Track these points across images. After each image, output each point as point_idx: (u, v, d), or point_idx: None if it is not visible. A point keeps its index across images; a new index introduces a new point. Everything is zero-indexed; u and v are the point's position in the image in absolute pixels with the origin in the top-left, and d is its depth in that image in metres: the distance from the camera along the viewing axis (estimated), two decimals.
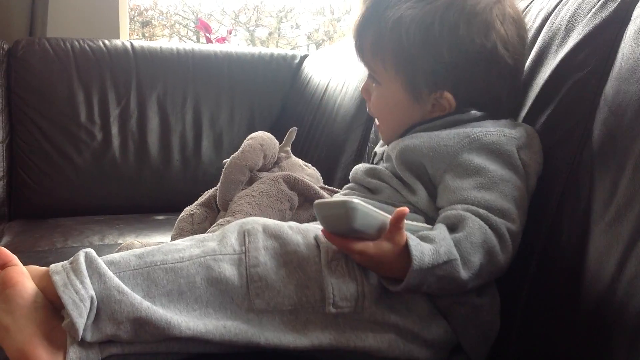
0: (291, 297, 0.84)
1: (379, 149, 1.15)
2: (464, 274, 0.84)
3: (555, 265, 0.92)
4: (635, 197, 0.81)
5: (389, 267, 0.83)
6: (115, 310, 0.77)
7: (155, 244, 1.19)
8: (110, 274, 0.79)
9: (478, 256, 0.85)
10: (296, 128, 1.25)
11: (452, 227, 0.88)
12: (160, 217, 1.99)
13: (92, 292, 0.76)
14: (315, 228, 0.90)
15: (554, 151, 0.99)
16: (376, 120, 1.15)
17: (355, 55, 1.10)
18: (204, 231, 1.09)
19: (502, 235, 0.88)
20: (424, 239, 0.84)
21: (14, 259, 0.82)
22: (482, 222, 0.87)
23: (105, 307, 0.77)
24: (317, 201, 0.82)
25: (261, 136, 1.19)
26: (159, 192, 2.22)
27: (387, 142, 1.09)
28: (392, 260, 0.82)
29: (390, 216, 0.81)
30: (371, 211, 0.80)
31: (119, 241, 1.68)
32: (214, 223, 1.10)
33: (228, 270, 0.82)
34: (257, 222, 0.89)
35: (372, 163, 1.13)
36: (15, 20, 2.34)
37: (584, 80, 0.99)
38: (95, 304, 0.77)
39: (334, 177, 1.69)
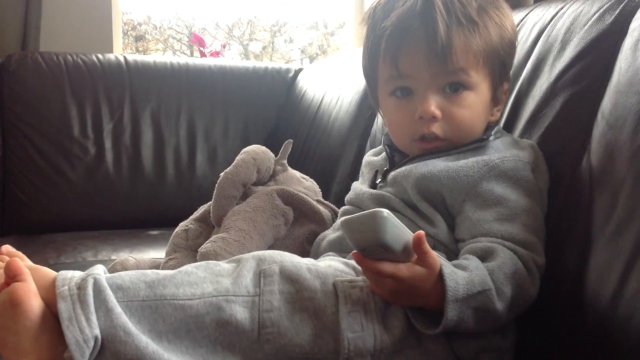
0: (303, 346, 0.80)
1: (379, 166, 1.11)
2: (499, 305, 0.82)
3: (556, 281, 0.91)
4: (635, 210, 0.80)
5: (421, 293, 0.80)
6: (119, 350, 0.74)
7: (149, 261, 1.18)
8: (118, 309, 0.76)
9: (510, 287, 0.83)
10: (292, 140, 1.24)
11: (482, 258, 0.86)
12: (155, 232, 1.97)
13: (97, 332, 0.73)
14: (334, 272, 0.86)
15: (552, 164, 0.99)
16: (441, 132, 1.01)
17: (440, 65, 0.97)
18: (198, 247, 1.07)
19: (530, 268, 0.87)
20: (456, 266, 0.82)
21: (25, 273, 0.77)
22: (512, 254, 0.86)
23: (109, 345, 0.74)
24: (343, 218, 0.79)
25: (255, 150, 1.17)
26: (153, 206, 2.20)
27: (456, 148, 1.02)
28: (425, 285, 0.79)
29: (412, 234, 0.79)
30: (399, 224, 0.77)
31: (113, 257, 1.65)
32: (209, 238, 1.09)
33: (240, 313, 0.79)
34: (275, 260, 0.85)
35: (373, 185, 1.09)
36: (7, 34, 2.32)
37: (581, 93, 0.99)
38: (100, 342, 0.74)
39: (329, 191, 1.68)
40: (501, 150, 0.98)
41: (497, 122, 1.09)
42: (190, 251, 1.12)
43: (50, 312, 0.77)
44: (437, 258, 0.80)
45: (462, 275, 0.80)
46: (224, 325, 0.78)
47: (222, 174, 1.15)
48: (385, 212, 0.75)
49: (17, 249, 1.55)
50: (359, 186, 1.12)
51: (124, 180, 2.19)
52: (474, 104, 1.00)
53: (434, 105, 0.98)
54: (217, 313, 0.78)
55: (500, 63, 1.03)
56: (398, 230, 0.77)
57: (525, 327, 0.92)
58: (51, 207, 2.12)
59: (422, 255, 0.79)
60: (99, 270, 0.79)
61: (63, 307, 0.75)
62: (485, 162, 0.95)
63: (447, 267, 0.80)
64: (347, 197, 1.12)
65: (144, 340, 0.75)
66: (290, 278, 0.83)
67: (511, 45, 1.05)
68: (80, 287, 0.76)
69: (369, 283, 0.84)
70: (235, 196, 1.13)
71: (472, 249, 0.88)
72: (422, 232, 0.78)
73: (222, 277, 0.82)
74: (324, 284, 0.83)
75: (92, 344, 0.73)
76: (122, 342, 0.74)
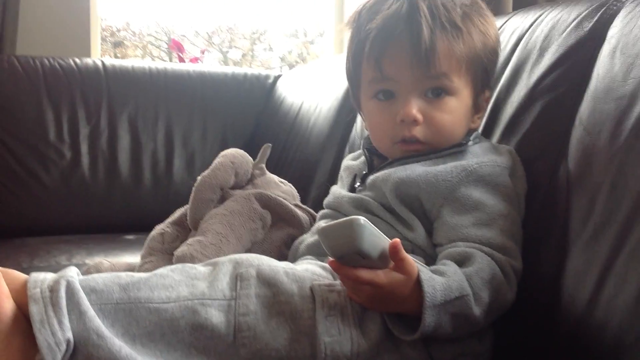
0: (279, 350, 0.79)
1: (358, 170, 1.11)
2: (476, 310, 0.82)
3: (533, 285, 0.91)
4: (612, 215, 0.81)
5: (399, 299, 0.80)
6: (92, 354, 0.73)
7: (124, 265, 1.16)
8: (91, 312, 0.74)
9: (487, 292, 0.83)
10: (270, 144, 1.23)
11: (460, 263, 0.86)
12: (130, 237, 1.95)
13: (70, 335, 0.72)
14: (312, 276, 0.86)
15: (530, 170, 0.99)
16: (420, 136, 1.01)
17: (422, 69, 0.97)
18: (174, 250, 1.06)
19: (507, 273, 0.87)
20: (434, 272, 0.82)
21: None
22: (489, 259, 0.86)
23: (82, 348, 0.73)
24: (320, 226, 0.78)
25: (232, 154, 1.16)
26: (130, 211, 2.18)
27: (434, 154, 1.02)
28: (403, 291, 0.79)
29: (389, 240, 0.78)
30: (376, 231, 0.77)
31: (87, 261, 1.63)
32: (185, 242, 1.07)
33: (215, 316, 0.78)
34: (252, 264, 0.84)
35: (352, 189, 1.09)
36: None
37: (559, 99, 1.00)
38: (72, 345, 0.72)
39: (308, 196, 1.68)
40: (479, 155, 0.98)
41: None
42: (166, 254, 1.11)
43: (22, 315, 0.75)
44: (415, 264, 0.80)
45: (439, 280, 0.80)
46: (199, 329, 0.77)
47: (199, 177, 1.14)
48: (362, 219, 0.75)
49: None
50: (338, 190, 1.11)
51: (100, 184, 2.17)
52: (455, 110, 1.00)
53: (415, 109, 0.98)
54: (192, 317, 0.77)
55: (482, 70, 1.03)
56: (375, 237, 0.76)
57: (503, 331, 0.92)
58: (26, 212, 2.10)
59: (399, 263, 0.78)
60: (72, 272, 0.78)
61: (35, 310, 0.73)
62: (463, 167, 0.95)
63: (425, 273, 0.80)
64: (326, 200, 1.11)
65: (117, 343, 0.74)
66: (267, 282, 0.82)
67: (494, 53, 1.05)
68: (53, 289, 0.75)
69: (346, 289, 0.83)
70: (213, 199, 1.12)
71: (450, 254, 0.88)
72: (397, 240, 0.78)
73: (197, 280, 0.81)
74: (301, 288, 0.83)
75: (64, 347, 0.71)
76: (94, 345, 0.73)
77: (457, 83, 1.00)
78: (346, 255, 0.77)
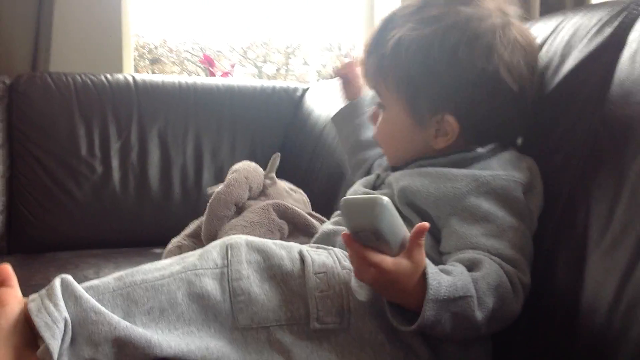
0: (276, 311, 0.81)
1: (382, 172, 1.12)
2: (478, 314, 0.81)
3: (552, 294, 0.89)
4: (631, 223, 0.79)
5: (403, 289, 0.79)
6: (93, 331, 0.75)
7: None
8: (86, 296, 0.77)
9: (492, 299, 0.82)
10: (279, 154, 1.23)
11: (468, 268, 0.85)
12: (158, 251, 1.94)
13: (66, 314, 0.75)
14: (299, 246, 0.88)
15: (552, 178, 0.98)
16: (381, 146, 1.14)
17: (363, 80, 1.11)
18: None
19: (515, 284, 0.86)
20: (441, 270, 0.81)
21: (13, 280, 0.81)
22: (498, 266, 0.85)
23: (82, 330, 0.75)
24: (344, 198, 0.80)
25: (246, 168, 1.17)
26: (160, 225, 2.18)
27: (394, 164, 1.08)
28: (407, 282, 0.78)
29: (406, 229, 0.79)
30: (396, 216, 0.77)
31: None
32: None
33: (210, 284, 0.80)
34: (241, 237, 0.87)
35: (374, 187, 1.09)
36: (18, 55, 2.33)
37: (581, 105, 0.98)
38: (71, 327, 0.74)
39: (333, 208, 1.66)
40: (495, 168, 0.96)
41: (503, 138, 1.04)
42: None
43: (28, 325, 0.77)
44: (425, 258, 0.79)
45: (445, 278, 0.79)
46: (196, 299, 0.80)
47: (214, 193, 1.14)
48: (386, 200, 0.75)
49: (20, 267, 1.56)
50: (357, 185, 1.12)
51: (131, 199, 2.19)
52: (388, 123, 1.08)
53: (370, 112, 1.12)
54: (188, 287, 0.80)
55: (427, 93, 1.00)
56: (394, 222, 0.77)
57: (521, 343, 0.91)
58: (58, 226, 2.12)
59: (415, 247, 0.78)
60: (66, 276, 0.80)
61: (33, 305, 0.76)
62: (475, 176, 0.94)
63: (432, 268, 0.79)
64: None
65: (116, 317, 0.76)
66: (256, 248, 0.85)
67: (469, 82, 0.98)
68: (49, 287, 0.79)
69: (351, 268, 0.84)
70: (228, 216, 1.13)
71: (458, 259, 0.87)
72: (427, 224, 0.78)
73: (187, 257, 0.85)
74: (289, 252, 0.86)
75: (62, 325, 0.73)
76: (93, 322, 0.75)
77: (386, 99, 1.05)
78: (362, 232, 0.78)
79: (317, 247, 0.91)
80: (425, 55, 0.97)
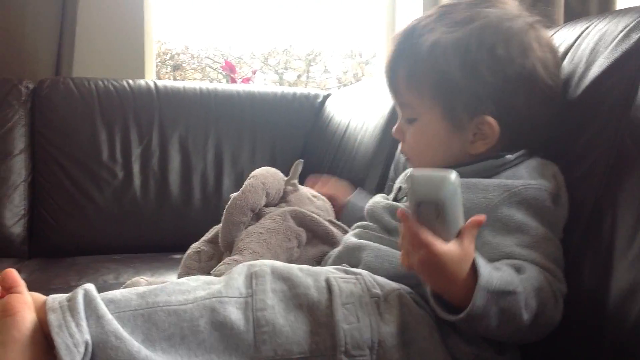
0: (300, 343, 0.79)
1: (404, 184, 1.11)
2: (525, 314, 0.80)
3: (578, 304, 0.88)
4: None
5: (449, 276, 0.78)
6: (111, 357, 0.73)
7: (161, 282, 1.16)
8: (109, 316, 0.75)
9: (535, 301, 0.81)
10: (302, 160, 1.22)
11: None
12: (178, 256, 1.93)
13: (88, 337, 0.73)
14: (326, 272, 0.86)
15: (577, 186, 0.96)
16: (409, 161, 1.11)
17: (389, 93, 1.07)
18: (211, 269, 1.06)
19: (555, 291, 0.85)
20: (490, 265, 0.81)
21: (20, 285, 0.78)
22: (539, 269, 0.84)
23: (101, 353, 0.73)
24: (414, 168, 0.80)
25: (263, 174, 1.15)
26: (180, 231, 2.18)
27: None
28: (455, 269, 0.77)
29: (464, 217, 0.79)
30: (460, 197, 0.77)
31: None
32: (221, 260, 1.07)
33: (234, 313, 0.78)
34: (265, 264, 0.85)
35: (395, 199, 1.09)
36: (41, 60, 2.36)
37: (606, 113, 0.96)
38: (91, 349, 0.73)
39: None
40: (524, 177, 0.95)
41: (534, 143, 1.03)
42: (203, 273, 1.10)
43: (42, 331, 0.76)
44: (474, 250, 0.78)
45: (496, 272, 0.78)
46: (219, 327, 0.78)
47: (230, 198, 1.13)
48: (455, 175, 0.75)
49: (41, 271, 1.55)
50: (379, 196, 1.11)
51: (151, 204, 2.20)
52: (421, 133, 1.03)
53: (395, 127, 1.07)
54: (211, 315, 0.78)
55: (467, 95, 0.98)
56: (457, 199, 0.77)
57: (549, 352, 0.89)
58: (79, 231, 2.14)
59: (468, 236, 0.78)
60: (90, 285, 0.79)
61: (53, 318, 0.74)
62: (507, 186, 0.92)
63: (482, 260, 0.79)
64: (366, 206, 1.11)
65: (137, 345, 0.74)
66: (282, 277, 0.83)
67: (509, 80, 0.98)
68: (70, 299, 0.76)
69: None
70: (244, 222, 1.11)
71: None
72: (483, 216, 0.79)
73: (213, 284, 0.83)
74: (316, 280, 0.84)
75: (82, 349, 0.72)
76: (113, 347, 0.73)
77: (418, 108, 1.02)
78: (425, 205, 0.77)
79: (345, 270, 0.89)
80: (464, 55, 0.97)
